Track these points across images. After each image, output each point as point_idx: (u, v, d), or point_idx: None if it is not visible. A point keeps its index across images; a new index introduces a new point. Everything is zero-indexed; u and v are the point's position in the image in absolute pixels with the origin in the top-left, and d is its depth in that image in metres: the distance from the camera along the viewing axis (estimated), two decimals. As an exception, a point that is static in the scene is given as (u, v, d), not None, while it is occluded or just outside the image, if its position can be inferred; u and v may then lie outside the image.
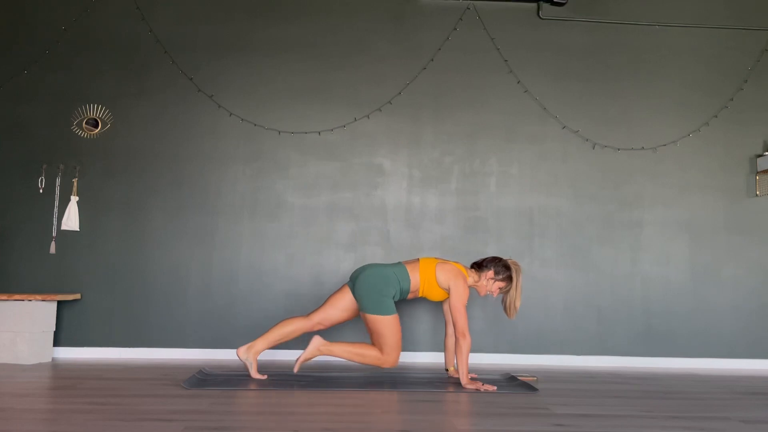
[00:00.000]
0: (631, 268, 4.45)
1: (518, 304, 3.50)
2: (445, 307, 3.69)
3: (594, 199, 4.49)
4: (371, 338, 3.47)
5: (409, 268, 3.51)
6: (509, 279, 3.52)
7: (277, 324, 3.56)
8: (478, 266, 3.57)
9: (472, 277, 3.54)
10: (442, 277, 3.45)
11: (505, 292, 3.54)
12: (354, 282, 3.50)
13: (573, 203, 4.48)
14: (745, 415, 2.77)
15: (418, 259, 3.56)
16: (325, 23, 4.53)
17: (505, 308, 3.53)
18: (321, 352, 3.42)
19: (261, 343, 3.45)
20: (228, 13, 4.51)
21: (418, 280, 3.48)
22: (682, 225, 4.50)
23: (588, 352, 4.37)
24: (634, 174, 4.52)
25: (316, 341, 3.41)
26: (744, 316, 4.44)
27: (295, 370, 3.46)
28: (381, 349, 3.43)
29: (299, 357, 3.43)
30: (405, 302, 4.29)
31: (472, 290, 4.18)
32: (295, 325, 3.51)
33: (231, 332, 4.27)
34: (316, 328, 3.55)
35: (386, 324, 3.40)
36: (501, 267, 3.52)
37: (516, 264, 3.54)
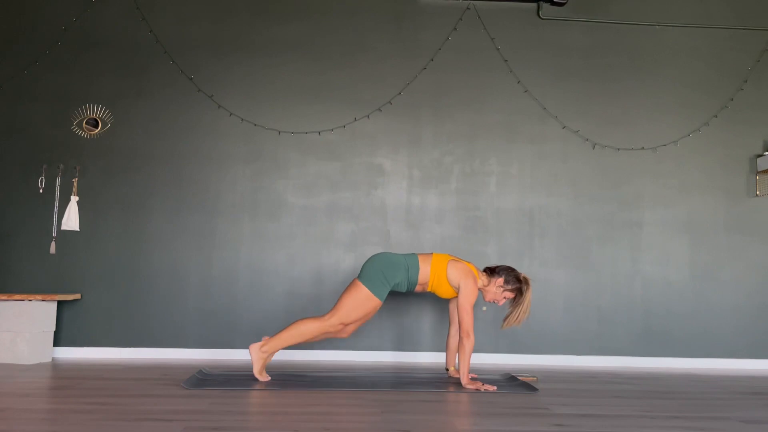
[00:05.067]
0: (631, 268, 4.45)
1: (520, 320, 3.46)
2: (451, 306, 3.69)
3: (594, 199, 4.49)
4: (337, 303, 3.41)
5: (421, 259, 3.51)
6: (518, 291, 3.50)
7: (292, 324, 3.44)
8: (491, 271, 3.56)
9: (482, 280, 3.53)
10: (453, 275, 3.44)
11: (513, 305, 3.52)
12: (364, 264, 3.51)
13: (573, 203, 4.49)
14: (745, 415, 2.77)
15: (432, 253, 3.56)
16: (325, 23, 4.53)
17: (506, 317, 3.49)
18: (266, 353, 3.35)
19: (276, 342, 3.38)
20: (228, 13, 4.51)
21: (428, 273, 3.48)
22: (682, 225, 4.50)
23: (588, 352, 4.37)
24: (634, 174, 4.52)
25: (254, 348, 3.35)
26: (744, 316, 4.44)
27: (264, 379, 3.35)
28: (329, 314, 3.37)
29: (255, 370, 3.36)
30: (407, 302, 4.29)
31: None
32: (312, 326, 3.41)
33: (231, 332, 4.27)
34: (335, 329, 3.45)
35: (362, 297, 3.37)
36: (512, 277, 3.51)
37: (528, 280, 3.51)
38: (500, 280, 3.50)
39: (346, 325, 3.43)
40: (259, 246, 4.35)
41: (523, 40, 4.58)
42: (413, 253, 3.56)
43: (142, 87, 4.42)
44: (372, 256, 3.51)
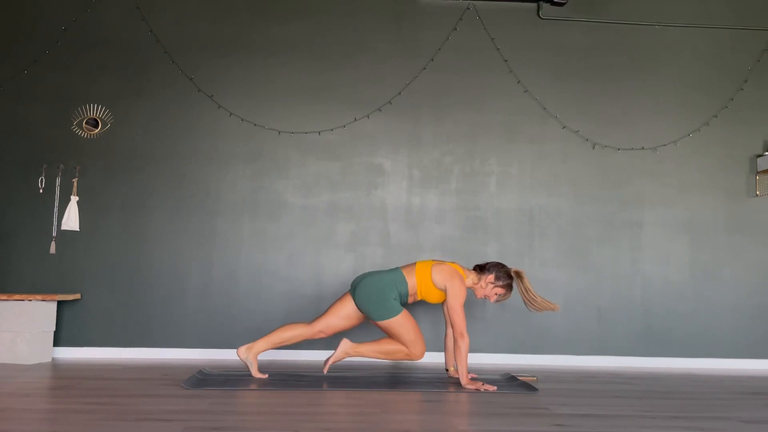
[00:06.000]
0: (631, 268, 4.45)
1: (539, 300, 3.47)
2: (445, 307, 3.69)
3: (594, 199, 4.49)
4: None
5: (405, 272, 3.53)
6: (509, 287, 3.53)
7: (279, 327, 3.57)
8: (481, 269, 3.56)
9: (471, 278, 3.54)
10: (437, 278, 3.45)
11: (502, 300, 3.57)
12: (354, 291, 3.52)
13: (573, 203, 4.48)
14: (745, 415, 2.77)
15: (415, 262, 3.57)
16: (325, 23, 4.53)
17: (530, 307, 3.51)
18: (349, 354, 3.48)
19: (261, 344, 3.48)
20: (228, 13, 4.51)
21: (415, 283, 3.50)
22: (682, 225, 4.50)
23: (588, 352, 4.37)
24: (634, 174, 4.52)
25: (344, 345, 3.47)
26: (744, 316, 4.44)
27: (325, 370, 3.54)
28: (409, 349, 3.48)
29: (328, 358, 3.52)
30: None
31: (469, 292, 4.18)
32: (297, 331, 3.53)
33: (231, 332, 4.27)
34: (317, 336, 3.55)
35: (398, 324, 3.43)
36: (502, 273, 3.52)
37: (520, 273, 3.53)
38: (491, 277, 3.51)
39: (422, 346, 3.48)
40: (259, 246, 4.35)
41: (523, 40, 4.58)
42: (396, 268, 3.57)
43: (142, 87, 4.42)
44: (359, 288, 3.47)
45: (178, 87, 4.43)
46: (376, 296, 3.43)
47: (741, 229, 4.52)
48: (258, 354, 3.46)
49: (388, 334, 3.48)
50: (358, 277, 3.59)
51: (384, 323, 3.43)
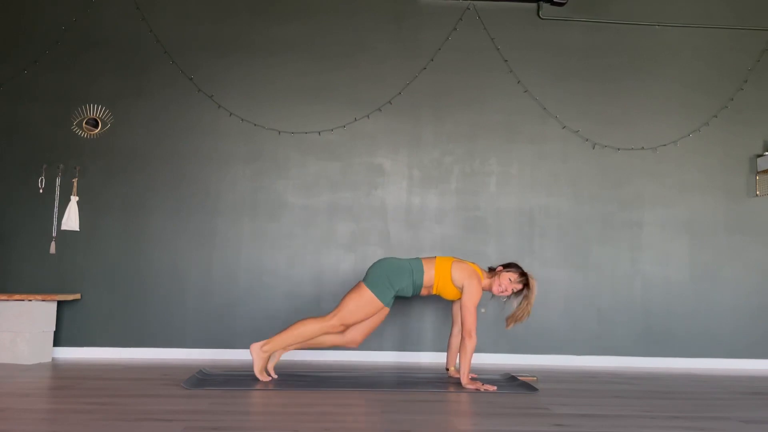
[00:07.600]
0: (631, 268, 4.45)
1: (524, 317, 3.46)
2: (455, 306, 3.69)
3: (594, 199, 4.49)
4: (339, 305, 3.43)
5: (425, 262, 3.52)
6: (526, 284, 3.51)
7: (292, 324, 3.46)
8: (503, 267, 3.56)
9: (487, 279, 3.53)
10: (456, 275, 3.45)
11: (522, 297, 3.52)
12: (370, 267, 3.52)
13: (573, 203, 4.49)
14: (745, 415, 2.77)
15: (435, 256, 3.57)
16: (325, 23, 4.53)
17: (510, 316, 3.49)
18: (266, 352, 3.36)
19: (275, 342, 3.40)
20: (228, 13, 4.51)
21: (432, 276, 3.49)
22: (682, 225, 4.50)
23: (588, 352, 4.37)
24: (634, 174, 4.52)
25: (255, 347, 3.35)
26: (744, 316, 4.44)
27: (262, 379, 3.35)
28: (330, 314, 3.38)
29: (255, 369, 3.36)
30: (410, 302, 4.29)
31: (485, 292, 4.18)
32: (313, 326, 3.42)
33: (231, 332, 4.27)
34: (336, 330, 3.45)
35: (365, 299, 3.38)
36: (519, 270, 3.52)
37: (532, 277, 3.52)
38: (508, 273, 3.50)
39: (347, 326, 3.43)
40: (259, 246, 4.35)
41: (523, 40, 4.58)
42: (417, 257, 3.57)
43: (142, 87, 4.42)
44: (377, 261, 3.52)
45: (178, 87, 4.43)
46: (386, 274, 3.42)
47: (741, 229, 4.52)
48: (270, 353, 3.38)
49: (347, 297, 3.40)
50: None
51: (363, 289, 3.38)
